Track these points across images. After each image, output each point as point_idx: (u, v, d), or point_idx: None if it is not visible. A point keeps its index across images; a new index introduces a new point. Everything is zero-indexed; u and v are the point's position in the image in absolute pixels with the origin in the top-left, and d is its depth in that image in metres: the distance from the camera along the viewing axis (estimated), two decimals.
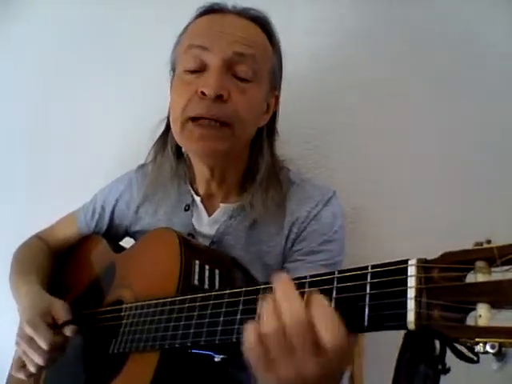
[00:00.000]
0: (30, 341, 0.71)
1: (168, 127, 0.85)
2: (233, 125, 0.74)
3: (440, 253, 0.39)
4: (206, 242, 0.84)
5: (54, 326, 0.73)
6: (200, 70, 0.74)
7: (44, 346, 0.70)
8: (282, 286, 0.44)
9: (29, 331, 0.71)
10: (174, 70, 0.82)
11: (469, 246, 0.38)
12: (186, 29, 0.81)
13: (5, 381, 0.90)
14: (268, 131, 0.84)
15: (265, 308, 0.44)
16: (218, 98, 0.71)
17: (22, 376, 0.76)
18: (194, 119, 0.73)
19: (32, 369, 0.73)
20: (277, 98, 0.85)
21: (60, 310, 0.75)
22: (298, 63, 1.04)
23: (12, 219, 1.28)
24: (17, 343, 0.75)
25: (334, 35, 1.04)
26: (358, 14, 1.03)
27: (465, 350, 0.36)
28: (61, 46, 1.25)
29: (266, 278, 0.79)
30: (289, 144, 1.04)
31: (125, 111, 1.20)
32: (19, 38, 1.28)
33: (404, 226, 1.03)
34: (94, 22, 1.21)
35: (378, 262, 0.42)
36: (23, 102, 1.29)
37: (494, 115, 0.97)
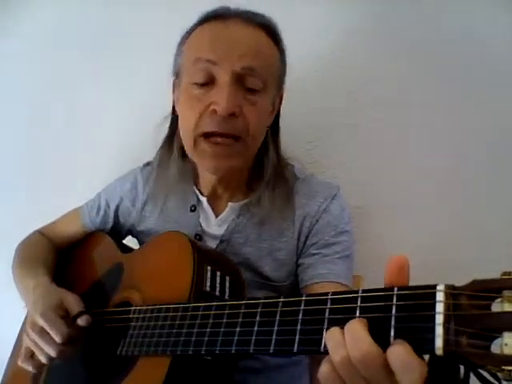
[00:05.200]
0: (43, 333, 0.71)
1: (172, 129, 0.85)
2: (245, 138, 0.74)
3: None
4: (215, 242, 0.84)
5: (67, 318, 0.73)
6: (209, 83, 0.74)
7: (58, 338, 0.70)
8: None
9: (42, 323, 0.71)
10: (177, 75, 0.82)
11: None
12: (189, 34, 0.79)
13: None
14: (272, 130, 0.84)
15: (329, 337, 0.43)
16: (231, 115, 0.72)
17: (29, 367, 0.76)
18: (206, 135, 0.74)
19: (43, 360, 0.73)
20: (281, 97, 0.85)
21: (73, 301, 0.76)
22: (299, 63, 1.04)
23: (12, 219, 1.27)
24: (26, 334, 0.75)
25: (334, 35, 1.05)
26: (359, 14, 1.03)
27: (488, 376, 0.38)
28: (61, 46, 1.24)
29: (278, 273, 0.82)
30: (289, 144, 1.03)
31: (125, 111, 1.20)
32: (19, 37, 1.27)
33: (404, 225, 1.04)
34: (94, 21, 1.21)
35: (404, 286, 0.42)
36: (23, 101, 1.28)
37: (494, 115, 0.98)
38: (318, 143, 1.07)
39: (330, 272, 0.78)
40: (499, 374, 0.36)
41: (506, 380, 0.36)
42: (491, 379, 0.38)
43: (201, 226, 0.86)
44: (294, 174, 0.87)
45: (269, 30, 0.78)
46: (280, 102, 0.85)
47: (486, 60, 0.97)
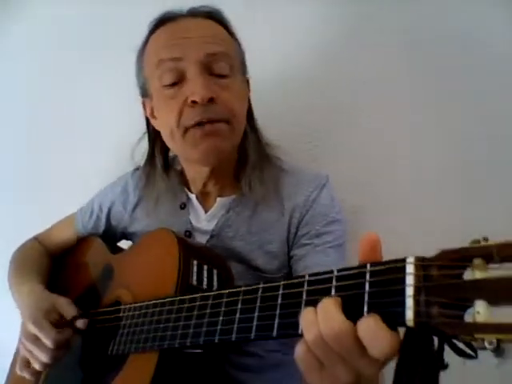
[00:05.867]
0: (35, 340, 0.72)
1: (151, 146, 0.88)
2: (231, 121, 0.75)
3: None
4: (205, 237, 0.84)
5: (60, 323, 0.74)
6: (179, 80, 0.74)
7: (49, 344, 0.71)
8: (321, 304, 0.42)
9: (33, 330, 0.72)
10: (145, 91, 0.82)
11: (466, 244, 0.38)
12: (144, 46, 0.81)
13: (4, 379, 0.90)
14: (248, 116, 0.84)
15: (303, 317, 0.43)
16: (209, 101, 0.72)
17: (26, 375, 0.76)
18: (192, 126, 0.74)
19: (37, 366, 0.74)
20: (248, 81, 0.86)
21: (65, 306, 0.77)
22: (299, 63, 1.05)
23: (12, 219, 1.27)
24: (21, 342, 0.75)
25: (334, 35, 1.04)
26: (359, 14, 1.03)
27: (463, 347, 0.37)
28: (61, 46, 1.25)
29: (270, 266, 0.81)
30: (289, 144, 1.03)
31: (125, 111, 1.19)
32: (19, 37, 1.27)
33: (404, 225, 1.03)
34: (94, 21, 1.21)
35: (376, 262, 0.42)
36: (23, 101, 1.29)
37: (494, 115, 0.97)
38: (318, 143, 1.07)
39: (322, 262, 0.77)
40: (473, 343, 0.35)
41: (480, 349, 0.35)
42: (468, 351, 0.37)
43: (190, 222, 0.86)
44: (280, 166, 0.87)
45: (216, 18, 0.79)
46: (248, 87, 0.85)
47: (485, 60, 0.96)
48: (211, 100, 0.72)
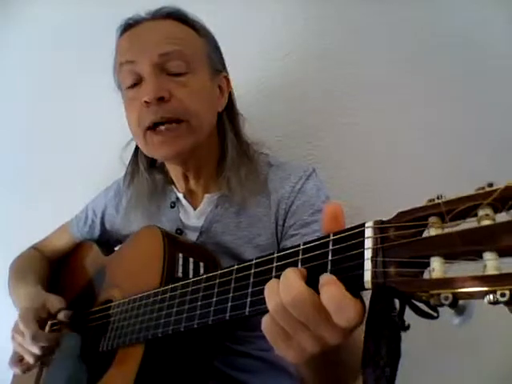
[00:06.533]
0: (23, 333, 0.74)
1: (137, 148, 0.90)
2: (187, 119, 0.76)
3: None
4: (195, 234, 0.84)
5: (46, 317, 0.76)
6: (138, 82, 0.77)
7: (28, 337, 0.72)
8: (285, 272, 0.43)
9: (19, 324, 0.75)
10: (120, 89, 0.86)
11: None
12: (115, 52, 0.84)
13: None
14: (228, 113, 0.85)
15: (266, 288, 0.43)
16: (160, 100, 0.74)
17: (18, 370, 0.78)
18: (149, 128, 0.76)
19: (30, 360, 0.75)
20: (226, 78, 0.86)
21: (54, 301, 0.79)
22: (299, 64, 1.06)
23: (12, 219, 1.28)
24: (12, 337, 0.78)
25: (335, 36, 1.05)
26: (359, 15, 1.04)
27: (424, 307, 0.36)
28: (61, 46, 1.26)
29: None
30: (290, 144, 1.05)
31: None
32: (18, 38, 1.29)
33: None
34: (94, 21, 1.22)
35: (339, 230, 0.42)
36: (23, 101, 1.30)
37: (494, 115, 0.97)
38: (318, 143, 1.07)
39: None
40: (431, 301, 0.35)
41: (437, 306, 0.35)
42: (428, 310, 0.37)
43: (181, 220, 0.87)
44: (268, 161, 0.87)
45: (177, 17, 0.81)
46: (228, 84, 0.86)
47: (485, 60, 0.97)
48: (162, 99, 0.73)
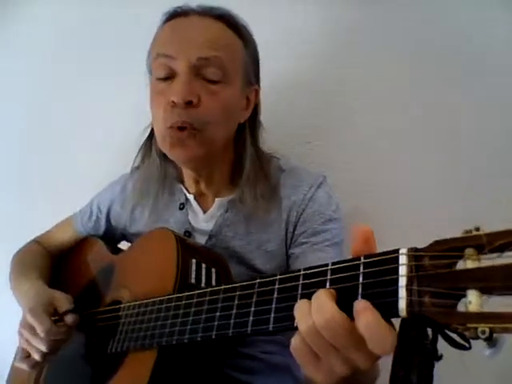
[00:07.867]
0: (32, 329, 0.73)
1: (152, 132, 0.87)
2: (205, 129, 0.74)
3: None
4: (204, 238, 0.84)
5: (56, 315, 0.75)
6: (170, 76, 0.75)
7: (41, 332, 0.71)
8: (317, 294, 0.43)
9: (30, 320, 0.73)
10: (151, 74, 0.83)
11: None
12: (155, 37, 0.82)
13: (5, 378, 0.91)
14: (250, 125, 0.84)
15: (297, 308, 0.43)
16: (188, 104, 0.72)
17: (25, 366, 0.77)
18: (170, 128, 0.75)
19: (36, 356, 0.74)
20: (256, 91, 0.85)
21: (62, 300, 0.78)
22: (299, 63, 1.06)
23: (12, 219, 1.28)
24: (19, 333, 0.76)
25: (335, 35, 1.05)
26: (359, 15, 1.04)
27: (457, 338, 0.37)
28: (61, 47, 1.25)
29: (269, 266, 0.81)
30: (289, 144, 1.05)
31: (125, 111, 1.20)
32: (19, 38, 1.28)
33: (404, 226, 1.02)
34: (94, 22, 1.22)
35: (370, 253, 0.42)
36: (23, 101, 1.29)
37: (494, 115, 0.97)
38: (318, 143, 1.07)
39: (320, 260, 0.77)
40: (466, 333, 0.35)
41: (473, 338, 0.35)
42: (461, 341, 0.37)
43: (190, 222, 0.86)
44: (280, 166, 0.87)
45: (228, 21, 0.79)
46: (256, 97, 0.85)
47: (485, 60, 0.97)
48: (190, 103, 0.72)
